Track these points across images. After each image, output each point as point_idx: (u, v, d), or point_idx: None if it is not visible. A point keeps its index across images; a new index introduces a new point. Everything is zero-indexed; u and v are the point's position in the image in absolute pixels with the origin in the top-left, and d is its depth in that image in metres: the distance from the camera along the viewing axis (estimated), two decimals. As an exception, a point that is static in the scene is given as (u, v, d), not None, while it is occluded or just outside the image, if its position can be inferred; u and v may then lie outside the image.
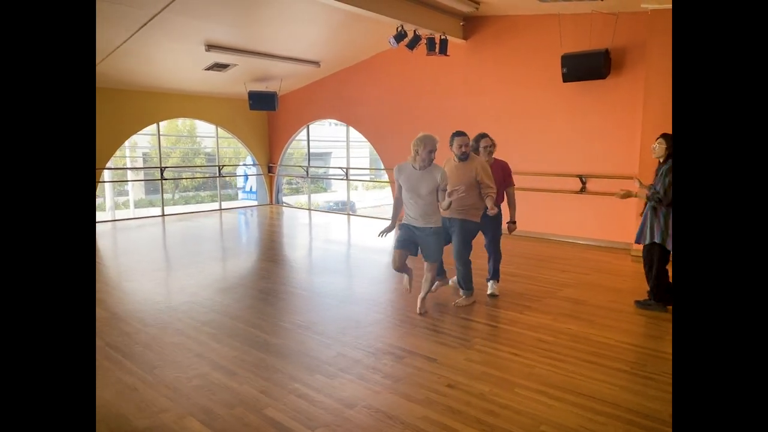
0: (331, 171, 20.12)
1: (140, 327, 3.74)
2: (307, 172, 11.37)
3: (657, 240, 3.89)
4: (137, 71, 8.19)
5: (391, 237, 7.78)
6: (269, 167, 11.59)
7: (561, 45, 6.59)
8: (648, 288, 4.13)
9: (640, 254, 4.17)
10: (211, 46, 7.49)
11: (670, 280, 4.12)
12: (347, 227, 8.95)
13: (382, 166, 9.62)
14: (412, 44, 6.99)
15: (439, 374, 2.94)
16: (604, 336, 3.51)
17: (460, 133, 4.07)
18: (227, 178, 17.42)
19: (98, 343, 3.44)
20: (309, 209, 11.30)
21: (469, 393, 2.70)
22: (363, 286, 4.93)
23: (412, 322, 3.84)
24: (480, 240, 4.46)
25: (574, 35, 6.56)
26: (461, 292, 4.28)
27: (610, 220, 6.61)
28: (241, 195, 16.63)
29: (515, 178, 4.62)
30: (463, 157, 4.06)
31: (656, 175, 3.91)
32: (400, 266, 3.87)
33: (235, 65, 8.58)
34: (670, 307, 4.09)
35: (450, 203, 3.63)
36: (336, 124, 11.66)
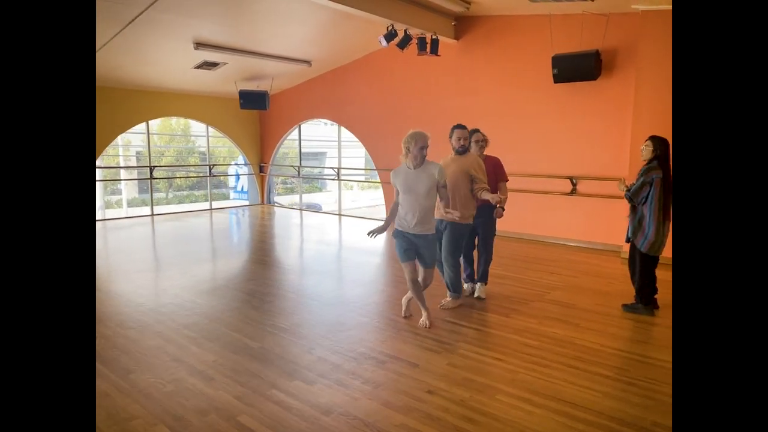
0: (325, 171, 20.04)
1: (119, 330, 3.67)
2: (298, 171, 11.29)
3: (640, 246, 3.94)
4: (125, 69, 8.10)
5: (382, 238, 7.77)
6: (261, 167, 11.51)
7: (552, 46, 6.56)
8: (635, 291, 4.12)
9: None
10: (199, 44, 7.41)
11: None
12: (338, 228, 8.89)
13: (373, 167, 9.56)
14: (403, 44, 6.94)
15: (420, 380, 2.89)
16: (589, 340, 3.47)
17: (460, 126, 4.08)
18: (221, 178, 17.34)
19: (74, 346, 3.37)
20: (300, 209, 11.23)
21: (449, 399, 2.65)
22: (350, 288, 4.87)
23: (397, 326, 3.78)
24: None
25: (565, 36, 6.52)
26: (448, 294, 4.23)
27: (600, 221, 6.58)
28: (232, 195, 16.53)
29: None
30: (461, 150, 4.06)
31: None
32: (415, 278, 3.68)
33: (225, 64, 8.50)
34: (657, 311, 4.08)
35: (450, 212, 3.56)
36: (331, 124, 11.59)
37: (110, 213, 17.09)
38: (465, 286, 4.54)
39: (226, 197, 17.40)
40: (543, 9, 6.52)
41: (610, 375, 2.94)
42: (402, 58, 8.08)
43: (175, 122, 20.66)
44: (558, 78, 6.40)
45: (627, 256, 5.66)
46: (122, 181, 17.43)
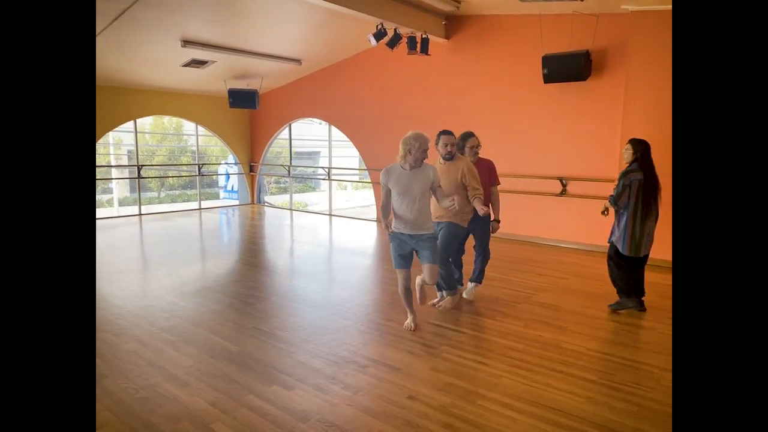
0: (319, 170, 19.92)
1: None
2: (288, 171, 11.20)
3: (611, 240, 4.10)
4: (111, 66, 7.97)
5: (373, 239, 7.71)
6: (251, 166, 11.41)
7: (542, 46, 6.52)
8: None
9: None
10: (187, 42, 7.30)
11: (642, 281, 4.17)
12: (329, 228, 8.81)
13: (365, 166, 9.49)
14: (393, 43, 6.88)
15: (401, 385, 2.83)
16: (575, 344, 3.43)
17: (446, 132, 3.90)
18: (214, 177, 17.18)
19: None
20: (291, 209, 11.14)
21: (429, 405, 2.59)
22: (336, 290, 4.80)
23: (380, 329, 3.72)
24: (470, 242, 4.35)
25: (555, 36, 6.49)
26: (444, 293, 4.13)
27: (590, 223, 6.54)
28: (222, 194, 16.38)
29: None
30: (448, 157, 3.89)
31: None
32: (408, 286, 3.58)
33: (214, 62, 8.40)
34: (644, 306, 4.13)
35: (452, 203, 3.39)
36: (324, 123, 11.51)
37: (101, 212, 16.90)
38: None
39: (217, 197, 17.25)
40: (533, 9, 6.48)
41: (594, 379, 2.90)
42: (392, 57, 8.02)
43: (168, 121, 20.48)
44: (548, 78, 6.36)
45: None
46: (113, 180, 17.23)
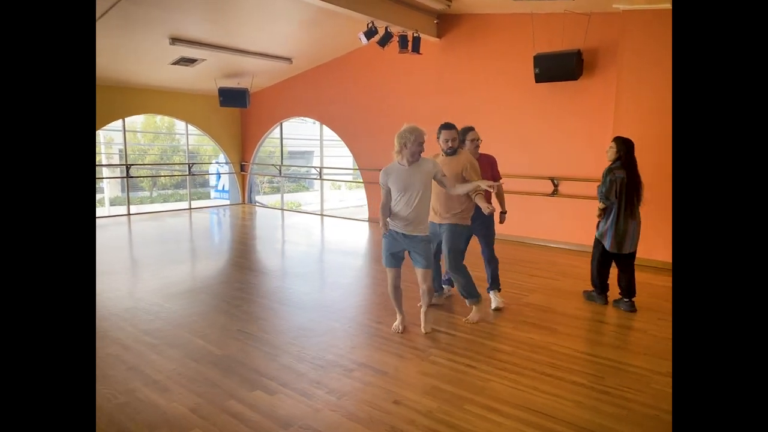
0: (311, 170, 19.81)
1: (76, 336, 3.50)
2: (279, 171, 11.11)
3: (596, 235, 4.17)
4: (98, 64, 7.84)
5: (365, 239, 7.65)
6: (242, 165, 11.31)
7: (534, 45, 6.48)
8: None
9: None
10: (175, 39, 7.20)
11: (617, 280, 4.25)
12: (320, 228, 8.74)
13: (357, 166, 9.42)
14: (384, 41, 6.81)
15: (387, 389, 2.77)
16: (565, 346, 3.38)
17: (447, 126, 3.76)
18: (205, 176, 17.04)
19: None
20: (282, 209, 11.05)
21: (415, 410, 2.54)
22: (325, 291, 4.74)
23: (369, 331, 3.66)
24: (476, 249, 4.23)
25: (547, 35, 6.46)
26: (467, 302, 3.89)
27: (581, 223, 6.52)
28: (213, 194, 16.23)
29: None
30: (450, 152, 3.76)
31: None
32: (398, 285, 3.54)
33: (204, 60, 8.30)
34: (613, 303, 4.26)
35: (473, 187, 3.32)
36: (316, 122, 11.42)
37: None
38: (445, 288, 4.42)
39: (209, 196, 17.11)
40: (525, 8, 6.45)
41: (583, 383, 2.85)
42: (384, 56, 7.96)
43: (160, 120, 20.30)
44: (539, 77, 6.33)
45: None
46: (103, 180, 17.05)
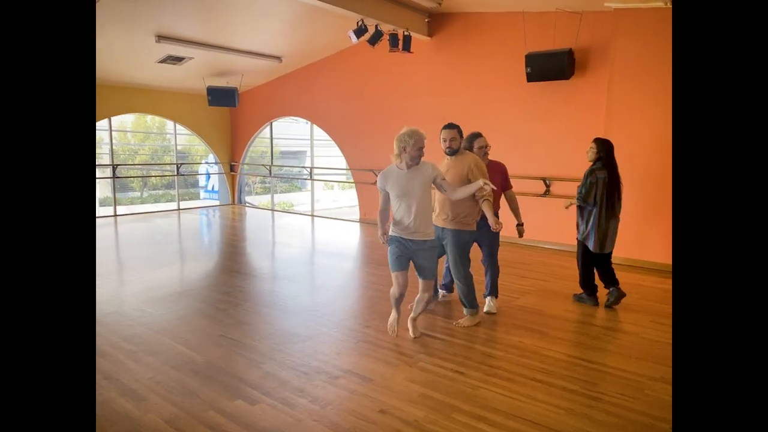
0: (297, 170, 19.64)
1: (52, 343, 3.37)
2: (270, 171, 10.98)
3: (578, 237, 4.19)
4: (84, 63, 7.69)
5: (356, 240, 7.55)
6: (231, 166, 11.17)
7: (525, 44, 6.42)
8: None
9: None
10: (161, 37, 7.07)
11: (603, 279, 4.26)
12: (311, 229, 8.63)
13: (347, 166, 9.32)
14: (374, 40, 6.71)
15: (373, 397, 2.68)
16: (555, 350, 3.31)
17: (447, 126, 3.63)
18: (195, 176, 16.84)
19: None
20: (272, 210, 10.92)
21: (401, 420, 2.45)
22: (312, 295, 4.63)
23: (356, 336, 3.57)
24: (476, 254, 4.10)
25: (538, 34, 6.39)
26: (464, 310, 3.79)
27: (573, 224, 6.43)
28: (202, 194, 16.05)
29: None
30: (450, 152, 3.63)
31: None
32: (404, 292, 3.35)
33: (191, 58, 8.17)
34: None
35: (486, 186, 3.15)
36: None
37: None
38: (440, 293, 4.32)
39: (198, 197, 16.92)
40: (516, 6, 6.39)
41: (576, 389, 2.77)
42: (375, 55, 7.86)
43: (150, 120, 20.07)
44: (531, 77, 6.27)
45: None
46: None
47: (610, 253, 4.17)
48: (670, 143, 5.36)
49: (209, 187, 14.37)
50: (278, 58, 8.68)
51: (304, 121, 10.48)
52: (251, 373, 2.96)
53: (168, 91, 9.84)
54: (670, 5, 5.12)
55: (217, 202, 11.87)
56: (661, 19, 5.26)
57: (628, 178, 5.69)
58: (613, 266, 4.27)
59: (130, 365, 3.05)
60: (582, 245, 4.20)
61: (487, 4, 6.69)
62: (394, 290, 3.38)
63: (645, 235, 5.64)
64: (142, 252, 6.42)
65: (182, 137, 10.70)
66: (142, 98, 9.51)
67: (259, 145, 11.89)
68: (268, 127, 10.64)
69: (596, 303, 4.23)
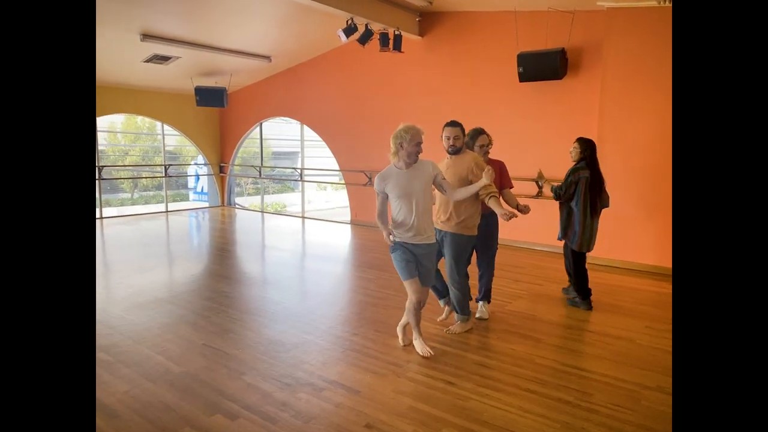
0: (289, 171, 19.43)
1: (24, 354, 3.21)
2: (260, 172, 10.82)
3: (559, 236, 4.19)
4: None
5: (347, 242, 7.41)
6: (221, 167, 10.99)
7: (518, 44, 6.33)
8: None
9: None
10: (146, 36, 6.90)
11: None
12: (301, 231, 8.49)
13: (338, 167, 9.19)
14: (364, 39, 6.60)
15: (359, 411, 2.55)
16: (549, 358, 3.20)
17: (450, 124, 3.49)
18: (184, 178, 16.60)
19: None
20: (262, 211, 10.76)
21: (388, 436, 2.33)
22: (300, 300, 4.50)
23: (343, 344, 3.44)
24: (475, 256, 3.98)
25: (530, 34, 6.31)
26: (455, 317, 3.68)
27: (566, 225, 6.38)
28: (192, 196, 15.81)
29: None
30: (453, 151, 3.49)
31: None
32: (424, 297, 3.19)
33: (178, 58, 8.00)
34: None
35: (488, 173, 3.01)
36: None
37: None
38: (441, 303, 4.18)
39: (188, 198, 16.68)
40: (508, 5, 6.29)
41: (570, 400, 2.67)
42: (365, 55, 7.75)
43: (141, 120, 19.81)
44: (523, 77, 6.18)
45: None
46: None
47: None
48: (663, 143, 5.29)
49: (198, 189, 14.15)
50: (267, 57, 8.54)
51: (296, 121, 10.36)
52: (232, 385, 2.82)
53: (155, 91, 9.66)
54: (663, 4, 5.04)
55: (206, 204, 11.68)
56: (654, 18, 5.19)
57: (621, 179, 5.63)
58: (607, 268, 4.20)
59: (105, 377, 2.90)
60: (567, 247, 4.18)
61: (479, 3, 6.60)
62: (412, 300, 3.14)
63: (638, 237, 5.56)
64: (126, 256, 6.25)
65: (174, 138, 10.51)
66: (128, 98, 9.32)
67: (251, 146, 11.72)
68: (258, 128, 10.48)
69: (590, 307, 4.15)
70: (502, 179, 3.94)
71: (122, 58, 7.74)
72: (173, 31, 7.03)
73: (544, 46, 6.09)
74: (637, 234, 5.57)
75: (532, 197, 6.62)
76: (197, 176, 13.66)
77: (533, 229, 6.70)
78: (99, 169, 9.33)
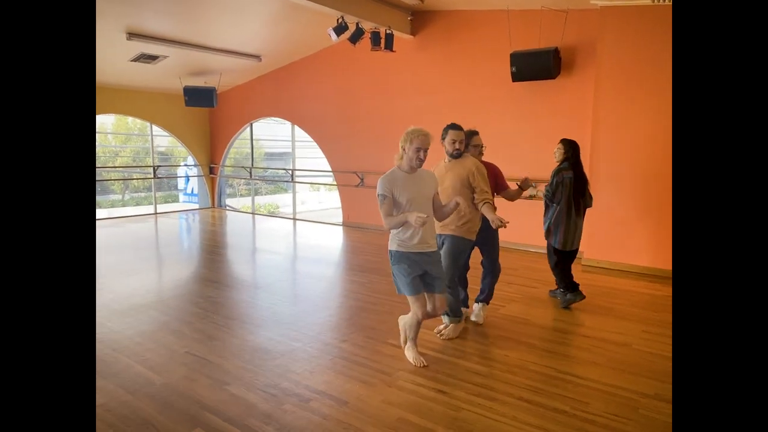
0: (282, 172, 19.26)
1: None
2: (250, 173, 10.68)
3: (545, 236, 4.24)
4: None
5: (339, 243, 7.30)
6: (211, 168, 10.84)
7: (510, 43, 6.25)
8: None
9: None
10: (132, 34, 6.75)
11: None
12: (292, 233, 8.36)
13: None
14: (355, 38, 6.49)
15: (346, 423, 2.45)
16: (544, 365, 3.11)
17: (454, 126, 3.42)
18: (173, 179, 16.41)
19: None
20: (253, 213, 10.62)
21: (376, 450, 2.22)
22: (288, 305, 4.38)
23: (332, 352, 3.33)
24: (477, 256, 3.90)
25: (523, 33, 6.23)
26: (447, 318, 3.60)
27: (560, 227, 6.30)
28: (182, 197, 15.61)
29: None
30: (458, 155, 3.43)
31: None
32: (426, 314, 3.03)
33: (166, 57, 7.85)
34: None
35: (451, 210, 2.98)
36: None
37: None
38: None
39: (178, 200, 16.48)
40: (501, 3, 6.21)
41: (566, 410, 2.57)
42: (356, 54, 7.64)
43: (132, 121, 19.58)
44: (516, 76, 6.10)
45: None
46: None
47: (574, 253, 4.20)
48: (657, 143, 5.22)
49: (188, 190, 13.96)
50: (257, 56, 8.41)
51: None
52: (214, 397, 2.70)
53: (143, 91, 9.49)
54: (657, 2, 4.98)
55: (196, 206, 11.51)
56: (648, 17, 5.13)
57: (615, 179, 5.56)
58: (601, 270, 4.14)
59: (80, 390, 2.77)
60: (550, 247, 4.23)
61: (471, 1, 6.51)
62: (417, 314, 2.98)
63: (632, 238, 5.49)
64: (109, 260, 6.09)
65: (165, 139, 10.35)
66: (116, 98, 9.15)
67: (243, 146, 11.56)
68: (248, 128, 10.35)
69: (583, 296, 4.17)
70: (497, 184, 3.87)
71: (108, 57, 7.58)
72: (159, 29, 6.89)
73: (537, 46, 6.01)
74: (630, 235, 5.51)
75: (526, 198, 6.53)
76: (187, 177, 13.48)
77: (526, 231, 6.61)
78: (86, 170, 9.16)
